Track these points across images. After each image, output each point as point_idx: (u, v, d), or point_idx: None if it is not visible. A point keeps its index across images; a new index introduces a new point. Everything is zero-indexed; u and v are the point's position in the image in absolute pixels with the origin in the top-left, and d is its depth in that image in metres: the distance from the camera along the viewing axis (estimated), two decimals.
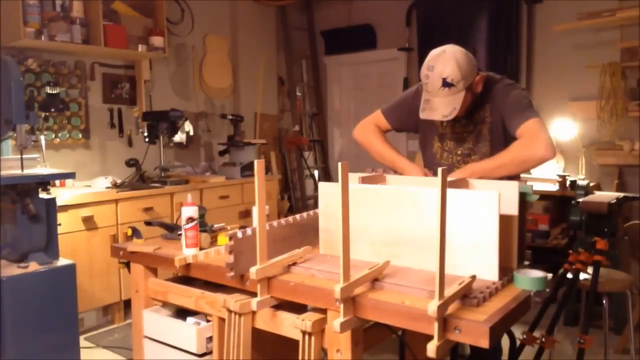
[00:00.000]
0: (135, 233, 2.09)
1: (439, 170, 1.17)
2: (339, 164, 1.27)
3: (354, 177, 1.81)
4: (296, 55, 5.70)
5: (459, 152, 2.02)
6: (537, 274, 1.44)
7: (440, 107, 1.81)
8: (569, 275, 2.16)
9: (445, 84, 1.78)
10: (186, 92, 4.71)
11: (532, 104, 1.94)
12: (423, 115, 1.87)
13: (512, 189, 1.53)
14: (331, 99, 5.89)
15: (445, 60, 1.80)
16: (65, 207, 3.17)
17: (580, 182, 3.71)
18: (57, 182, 3.47)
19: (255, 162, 1.46)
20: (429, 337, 1.20)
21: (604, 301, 2.46)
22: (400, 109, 2.14)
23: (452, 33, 4.45)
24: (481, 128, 1.98)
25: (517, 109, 1.89)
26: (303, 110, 5.78)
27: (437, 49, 1.89)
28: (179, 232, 1.99)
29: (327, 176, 5.83)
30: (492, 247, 1.42)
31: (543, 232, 3.95)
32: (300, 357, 1.48)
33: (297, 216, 1.83)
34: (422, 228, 1.52)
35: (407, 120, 2.11)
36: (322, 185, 1.75)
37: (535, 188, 2.47)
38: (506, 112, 1.91)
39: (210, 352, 1.79)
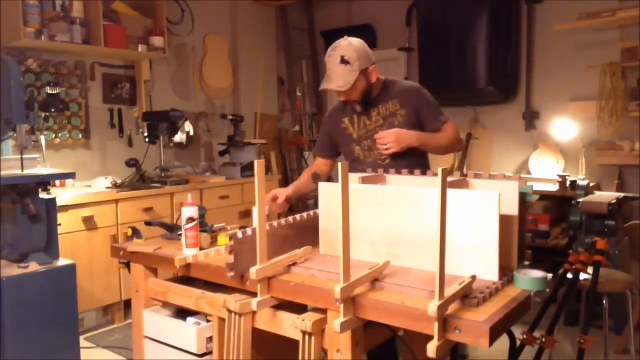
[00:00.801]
0: (135, 233, 2.09)
1: (439, 170, 1.17)
2: (339, 164, 1.27)
3: (354, 177, 1.81)
4: (296, 55, 5.70)
5: (377, 145, 2.21)
6: (537, 274, 1.44)
7: (336, 79, 2.09)
8: (569, 275, 2.16)
9: (343, 60, 2.07)
10: (186, 92, 4.71)
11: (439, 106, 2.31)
12: (322, 86, 2.14)
13: (512, 189, 1.53)
14: (331, 99, 5.88)
15: (346, 44, 2.10)
16: (65, 207, 3.17)
17: (580, 182, 3.71)
18: (57, 182, 3.47)
19: (255, 162, 1.46)
20: (429, 337, 1.20)
21: (604, 301, 2.46)
22: (323, 139, 2.43)
23: (452, 33, 4.44)
24: (393, 120, 2.22)
25: (434, 109, 2.25)
26: (303, 110, 5.78)
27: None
28: (179, 232, 1.99)
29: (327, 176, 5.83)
30: (492, 247, 1.42)
31: (543, 232, 3.95)
32: (300, 357, 1.48)
33: (297, 216, 1.83)
34: (422, 228, 1.52)
35: (331, 143, 2.40)
36: (322, 185, 1.75)
37: (535, 188, 2.47)
38: (423, 108, 2.23)
39: (210, 352, 1.79)
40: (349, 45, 2.09)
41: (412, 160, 2.19)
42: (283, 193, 2.28)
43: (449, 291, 1.22)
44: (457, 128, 2.27)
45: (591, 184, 3.80)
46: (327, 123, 2.41)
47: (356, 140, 2.29)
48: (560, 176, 3.91)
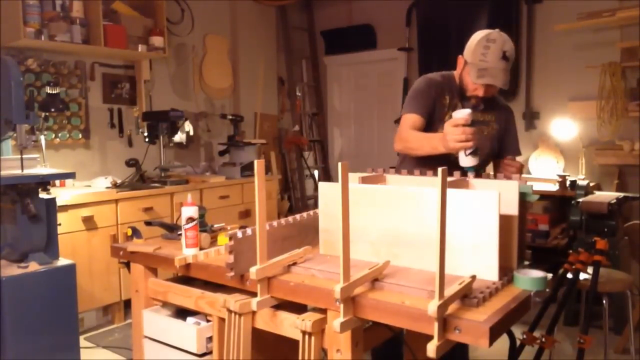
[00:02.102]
0: (135, 233, 2.09)
1: (439, 170, 1.17)
2: (339, 164, 1.27)
3: (354, 177, 1.81)
4: (296, 55, 5.70)
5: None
6: (537, 274, 1.44)
7: (500, 75, 1.96)
8: (569, 275, 2.16)
9: (504, 57, 1.95)
10: (186, 92, 4.71)
11: None
12: (483, 80, 1.97)
13: (512, 189, 1.53)
14: (331, 99, 5.89)
15: (505, 38, 1.98)
16: (65, 207, 3.17)
17: (580, 182, 3.71)
18: (57, 182, 3.47)
19: (255, 162, 1.46)
20: (429, 337, 1.20)
21: (604, 301, 2.46)
22: (424, 101, 2.12)
23: (452, 33, 4.45)
24: (483, 128, 2.13)
25: (517, 139, 2.25)
26: (303, 110, 5.78)
27: (486, 30, 2.05)
28: (179, 232, 1.99)
29: (327, 176, 5.84)
30: (492, 247, 1.42)
31: (543, 232, 3.95)
32: (300, 357, 1.48)
33: (297, 216, 1.83)
34: (422, 228, 1.52)
35: (430, 107, 2.12)
36: (322, 185, 1.75)
37: (535, 188, 2.47)
38: (511, 133, 2.21)
39: (210, 352, 1.79)
40: (508, 40, 1.98)
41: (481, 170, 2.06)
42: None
43: (449, 291, 1.22)
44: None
45: (591, 184, 3.80)
46: (434, 88, 2.14)
47: (444, 123, 2.03)
48: (560, 176, 3.91)
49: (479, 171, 1.86)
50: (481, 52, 1.97)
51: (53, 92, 3.45)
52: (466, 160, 1.83)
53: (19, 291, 2.21)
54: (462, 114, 1.81)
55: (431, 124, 2.12)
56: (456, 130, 1.80)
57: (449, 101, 2.14)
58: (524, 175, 4.19)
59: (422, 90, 2.14)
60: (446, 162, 1.78)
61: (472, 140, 1.79)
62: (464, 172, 1.81)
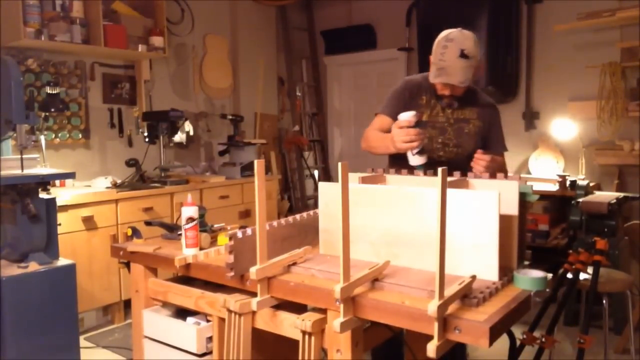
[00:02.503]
0: (135, 233, 2.09)
1: (439, 170, 1.17)
2: (339, 164, 1.27)
3: (354, 177, 1.81)
4: (296, 55, 5.70)
5: (439, 140, 2.16)
6: (537, 274, 1.44)
7: (457, 74, 1.98)
8: (569, 275, 2.16)
9: (463, 55, 1.95)
10: (186, 92, 4.71)
11: None
12: (438, 79, 2.02)
13: (512, 189, 1.53)
14: (331, 99, 5.89)
15: (465, 36, 2.00)
16: (65, 207, 3.17)
17: (580, 182, 3.71)
18: (57, 182, 3.47)
19: (255, 162, 1.46)
20: (429, 337, 1.20)
21: (604, 301, 2.46)
22: (395, 103, 2.23)
23: None
24: (463, 125, 2.17)
25: (502, 136, 2.25)
26: (303, 110, 5.78)
27: (451, 29, 2.06)
28: (179, 232, 1.99)
29: (327, 176, 5.84)
30: (492, 247, 1.42)
31: (543, 232, 3.95)
32: (300, 357, 1.48)
33: (297, 216, 1.83)
34: (422, 228, 1.52)
35: (402, 108, 2.17)
36: (322, 185, 1.75)
37: (535, 188, 2.48)
38: (495, 130, 2.21)
39: (210, 352, 1.79)
40: (469, 38, 1.99)
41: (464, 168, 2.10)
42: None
43: (449, 291, 1.22)
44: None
45: (591, 184, 3.80)
46: (408, 90, 2.22)
47: (423, 123, 2.14)
48: (560, 176, 3.91)
49: (465, 170, 1.88)
50: (440, 51, 2.01)
51: (53, 92, 3.45)
52: (414, 160, 1.95)
53: (19, 291, 2.21)
54: (405, 117, 1.91)
55: None
56: (401, 132, 1.92)
57: (425, 101, 2.19)
58: (523, 175, 4.20)
59: (396, 92, 2.24)
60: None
61: (416, 140, 1.91)
62: (424, 169, 1.89)
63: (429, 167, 1.91)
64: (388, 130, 2.10)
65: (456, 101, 2.14)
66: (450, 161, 2.13)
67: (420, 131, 1.92)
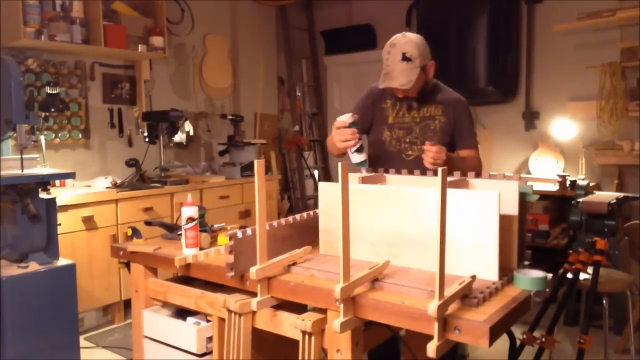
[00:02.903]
0: (135, 233, 2.09)
1: (439, 170, 1.17)
2: (339, 164, 1.27)
3: (354, 177, 1.81)
4: (296, 55, 5.70)
5: (407, 139, 2.22)
6: (537, 274, 1.44)
7: (399, 77, 2.05)
8: (569, 275, 2.16)
9: (405, 58, 2.03)
10: (186, 92, 4.71)
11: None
12: (383, 84, 2.10)
13: (512, 189, 1.53)
14: (331, 99, 5.89)
15: (406, 40, 2.07)
16: (65, 207, 3.17)
17: (580, 182, 3.71)
18: (57, 182, 3.47)
19: (255, 162, 1.46)
20: (429, 337, 1.20)
21: (604, 301, 2.46)
22: (358, 108, 2.34)
23: (452, 33, 4.44)
24: (429, 123, 2.22)
25: (471, 129, 2.26)
26: (303, 110, 5.78)
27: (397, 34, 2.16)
28: (179, 232, 1.99)
29: (327, 176, 5.84)
30: (492, 247, 1.42)
31: (543, 232, 3.95)
32: (300, 357, 1.48)
33: (297, 216, 1.83)
34: (422, 228, 1.52)
35: (365, 119, 2.29)
36: (322, 185, 1.75)
37: (535, 188, 2.47)
38: (463, 124, 2.23)
39: (210, 352, 1.79)
40: (410, 41, 2.06)
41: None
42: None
43: (449, 291, 1.22)
44: (479, 157, 2.25)
45: (591, 184, 3.80)
46: (371, 96, 2.31)
47: (389, 126, 2.26)
48: (560, 176, 3.91)
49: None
50: (385, 57, 2.10)
51: (53, 92, 3.46)
52: (353, 157, 2.04)
53: (19, 291, 2.21)
54: (342, 118, 2.01)
55: (375, 127, 2.30)
56: (337, 132, 2.02)
57: (390, 104, 2.26)
58: (523, 175, 4.20)
59: (361, 100, 2.37)
60: (388, 160, 2.14)
61: (352, 139, 2.00)
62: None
63: (402, 166, 2.03)
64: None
65: (416, 101, 2.20)
66: (420, 159, 2.16)
67: (355, 130, 2.00)
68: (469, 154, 2.22)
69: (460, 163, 2.09)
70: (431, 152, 1.97)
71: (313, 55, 5.79)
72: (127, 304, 3.40)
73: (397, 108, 2.25)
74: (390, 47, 2.08)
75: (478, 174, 1.83)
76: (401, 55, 2.03)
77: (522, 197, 1.55)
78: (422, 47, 2.09)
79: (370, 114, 2.30)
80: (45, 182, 2.37)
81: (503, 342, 2.03)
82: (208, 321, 1.81)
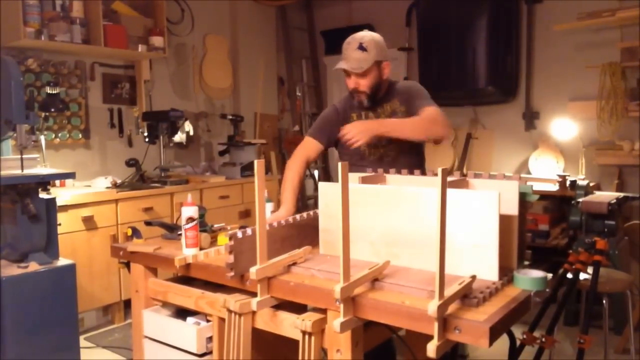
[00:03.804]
0: (135, 233, 2.09)
1: (439, 170, 1.17)
2: (339, 164, 1.27)
3: (354, 177, 1.81)
4: (296, 55, 5.70)
5: (383, 142, 2.23)
6: (537, 274, 1.44)
7: (351, 62, 2.18)
8: (569, 275, 2.16)
9: (361, 47, 2.17)
10: (186, 92, 4.71)
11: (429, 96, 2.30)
12: (337, 66, 2.22)
13: (512, 189, 1.53)
14: (331, 99, 5.88)
15: (365, 34, 2.21)
16: (65, 207, 3.17)
17: (580, 182, 3.71)
18: (57, 182, 3.47)
19: (255, 162, 1.46)
20: (429, 337, 1.20)
21: (604, 301, 2.46)
22: (325, 127, 2.37)
23: (452, 33, 4.44)
24: (398, 116, 2.26)
25: (421, 95, 2.26)
26: (303, 110, 5.78)
27: None
28: (179, 232, 1.99)
29: (327, 176, 5.83)
30: (492, 247, 1.42)
31: (543, 232, 3.95)
32: (300, 357, 1.48)
33: (297, 216, 1.83)
34: (422, 228, 1.52)
35: (332, 134, 2.32)
36: (322, 185, 1.75)
37: (535, 188, 2.47)
38: (412, 97, 2.26)
39: (210, 352, 1.79)
40: (368, 35, 2.20)
41: (411, 160, 2.25)
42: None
43: (449, 291, 1.22)
44: (443, 114, 2.16)
45: (591, 184, 3.80)
46: (335, 112, 2.36)
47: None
48: (560, 176, 3.91)
49: (415, 159, 2.27)
50: (345, 48, 2.22)
51: (53, 92, 3.45)
52: None
53: (19, 291, 2.21)
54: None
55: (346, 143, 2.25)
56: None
57: (356, 117, 2.31)
58: (523, 175, 4.20)
59: (325, 117, 2.40)
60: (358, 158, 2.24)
61: (353, 137, 2.06)
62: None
63: (379, 165, 2.08)
64: (316, 154, 2.35)
65: (375, 103, 2.27)
66: (396, 155, 2.25)
67: None
68: (424, 112, 2.16)
69: (399, 123, 2.13)
70: (346, 136, 2.04)
71: (313, 55, 5.79)
72: (127, 304, 3.40)
73: (364, 118, 2.29)
74: (350, 40, 2.22)
75: (435, 130, 2.01)
76: (358, 45, 2.17)
77: (522, 197, 1.55)
78: (379, 44, 2.20)
79: (337, 129, 2.24)
80: (45, 182, 2.37)
81: (503, 342, 2.03)
82: (208, 321, 1.81)
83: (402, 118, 2.22)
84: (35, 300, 2.26)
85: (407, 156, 2.28)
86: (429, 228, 1.47)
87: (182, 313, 1.92)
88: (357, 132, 2.04)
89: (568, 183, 3.84)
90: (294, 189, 2.25)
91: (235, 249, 1.54)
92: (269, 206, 1.99)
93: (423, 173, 1.91)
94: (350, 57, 2.18)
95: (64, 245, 2.83)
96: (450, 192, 1.38)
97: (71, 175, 2.51)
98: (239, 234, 1.55)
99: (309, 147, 2.36)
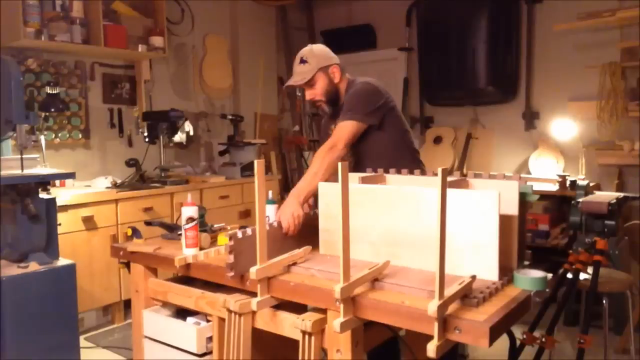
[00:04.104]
0: (135, 233, 2.09)
1: (439, 170, 1.17)
2: (339, 164, 1.27)
3: (354, 177, 1.81)
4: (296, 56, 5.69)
5: (349, 153, 2.22)
6: (537, 274, 1.44)
7: (295, 76, 2.30)
8: (569, 275, 2.16)
9: (302, 61, 2.29)
10: (186, 92, 4.71)
11: (364, 103, 2.16)
12: (286, 84, 2.36)
13: (512, 189, 1.53)
14: None
15: (305, 48, 2.33)
16: (65, 207, 3.17)
17: (580, 182, 3.69)
18: (57, 182, 3.47)
19: (255, 162, 1.46)
20: (429, 337, 1.20)
21: (604, 301, 2.46)
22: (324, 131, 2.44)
23: (452, 33, 4.44)
24: None
25: (347, 106, 2.17)
26: (303, 110, 5.77)
27: None
28: (179, 232, 1.99)
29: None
30: (492, 247, 1.42)
31: (543, 232, 3.95)
32: (300, 357, 1.48)
33: None
34: (422, 228, 1.52)
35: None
36: (322, 185, 1.75)
37: (535, 188, 2.47)
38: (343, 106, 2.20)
39: (210, 352, 1.79)
40: (307, 48, 2.33)
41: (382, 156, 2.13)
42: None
43: (449, 291, 1.22)
44: (347, 129, 2.05)
45: (591, 184, 3.80)
46: (323, 126, 2.50)
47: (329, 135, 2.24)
48: (560, 176, 3.91)
49: (383, 157, 2.12)
50: (293, 66, 2.34)
51: (53, 92, 3.45)
52: None
53: (19, 291, 2.21)
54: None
55: None
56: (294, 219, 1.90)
57: (332, 127, 2.24)
58: (523, 175, 4.19)
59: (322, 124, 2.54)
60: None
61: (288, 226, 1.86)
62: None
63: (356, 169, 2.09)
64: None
65: (327, 105, 2.31)
66: (365, 156, 2.18)
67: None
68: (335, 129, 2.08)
69: (306, 182, 1.89)
70: (284, 229, 1.77)
71: None
72: (127, 304, 3.40)
73: (334, 127, 2.20)
74: (295, 57, 2.34)
75: (335, 150, 1.94)
76: (299, 59, 2.29)
77: (522, 197, 1.55)
78: (318, 52, 2.29)
79: (325, 135, 2.36)
80: (45, 182, 2.37)
81: (503, 342, 2.03)
82: (208, 321, 1.81)
83: None
84: (35, 300, 2.26)
85: (377, 158, 2.10)
86: (429, 228, 1.47)
87: (182, 313, 1.92)
88: (284, 220, 1.78)
89: (568, 183, 3.84)
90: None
91: (235, 249, 1.54)
92: (273, 208, 1.97)
93: (423, 173, 1.90)
94: (294, 72, 2.30)
95: (64, 245, 2.83)
96: (450, 192, 1.38)
97: (71, 175, 2.52)
98: (239, 234, 1.55)
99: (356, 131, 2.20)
